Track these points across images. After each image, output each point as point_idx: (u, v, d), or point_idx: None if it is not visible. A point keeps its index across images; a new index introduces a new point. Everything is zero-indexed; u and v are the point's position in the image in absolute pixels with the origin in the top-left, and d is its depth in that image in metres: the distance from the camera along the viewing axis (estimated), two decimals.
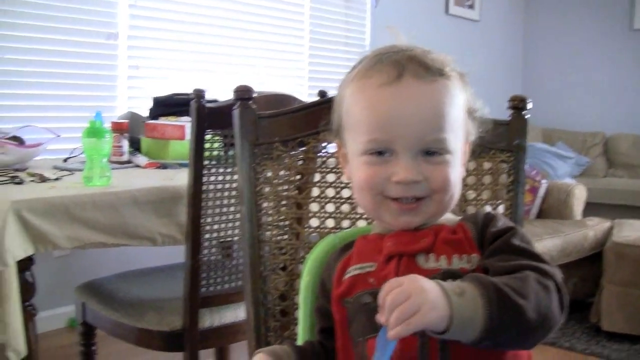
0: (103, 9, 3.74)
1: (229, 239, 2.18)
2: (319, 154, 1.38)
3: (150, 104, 3.16)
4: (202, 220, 2.06)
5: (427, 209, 1.02)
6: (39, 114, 3.43)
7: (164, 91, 3.31)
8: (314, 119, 1.35)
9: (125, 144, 2.66)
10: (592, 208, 4.91)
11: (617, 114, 6.94)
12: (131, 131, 2.77)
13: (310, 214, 1.37)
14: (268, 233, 1.35)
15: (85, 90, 3.69)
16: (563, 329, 3.62)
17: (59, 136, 2.82)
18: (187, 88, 2.32)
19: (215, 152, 2.07)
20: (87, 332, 2.39)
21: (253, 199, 1.34)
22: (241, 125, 1.34)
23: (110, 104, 3.79)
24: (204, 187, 2.05)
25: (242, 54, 4.53)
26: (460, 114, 1.04)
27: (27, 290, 1.97)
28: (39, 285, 2.03)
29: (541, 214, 4.39)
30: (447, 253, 0.98)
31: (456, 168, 1.03)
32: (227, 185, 2.11)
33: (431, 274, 0.94)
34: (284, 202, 1.37)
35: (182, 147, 2.64)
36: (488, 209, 1.35)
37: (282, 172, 1.37)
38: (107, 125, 2.36)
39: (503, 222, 1.02)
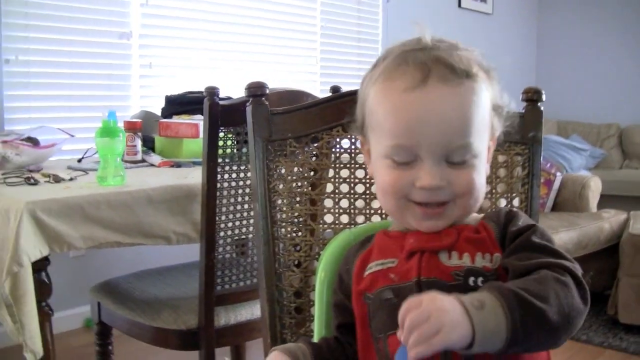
0: (115, 9, 3.75)
1: (243, 236, 2.17)
2: (332, 150, 1.38)
3: (163, 103, 3.16)
4: (216, 218, 2.06)
5: (451, 213, 1.01)
6: (53, 115, 3.45)
7: (177, 90, 3.31)
8: (327, 114, 1.35)
9: (139, 143, 2.66)
10: (607, 200, 4.88)
11: (632, 105, 6.90)
12: (145, 130, 2.77)
13: (325, 210, 1.37)
14: (282, 230, 1.35)
15: (98, 90, 3.71)
16: None
17: (73, 136, 2.83)
18: (199, 86, 2.32)
19: (228, 150, 2.07)
20: (103, 332, 2.40)
21: (267, 196, 1.34)
22: (254, 122, 1.33)
23: (124, 103, 3.80)
24: (218, 185, 2.05)
25: (254, 51, 4.53)
26: (486, 115, 1.02)
27: (43, 290, 1.97)
28: (55, 285, 2.03)
29: (556, 207, 4.37)
30: (469, 251, 0.97)
31: (481, 170, 1.02)
32: (241, 183, 2.11)
33: (454, 271, 0.94)
34: (297, 199, 1.37)
35: (196, 146, 2.64)
36: (503, 202, 1.34)
37: (295, 169, 1.36)
38: (121, 124, 2.36)
39: (524, 221, 1.01)
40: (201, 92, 2.05)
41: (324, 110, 1.35)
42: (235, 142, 2.09)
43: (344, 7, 5.21)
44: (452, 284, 0.95)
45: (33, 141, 2.59)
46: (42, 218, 1.85)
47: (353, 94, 1.33)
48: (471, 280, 0.94)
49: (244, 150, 2.08)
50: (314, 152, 1.38)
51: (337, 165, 1.37)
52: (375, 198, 1.35)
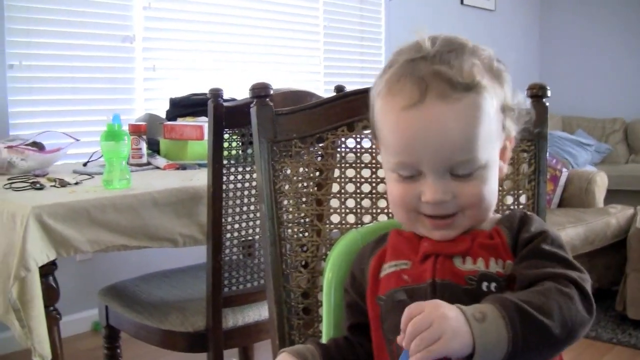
0: (118, 12, 3.75)
1: (250, 238, 2.17)
2: (337, 150, 1.37)
3: (167, 106, 3.16)
4: (222, 220, 2.06)
5: (461, 223, 1.00)
6: (57, 119, 3.45)
7: (181, 92, 3.31)
8: (331, 114, 1.34)
9: (144, 146, 2.66)
10: (614, 195, 4.87)
11: (636, 99, 6.88)
12: (149, 133, 2.77)
13: (331, 210, 1.37)
14: (289, 231, 1.35)
15: (102, 93, 3.71)
16: None
17: (78, 140, 2.83)
18: (203, 88, 2.32)
19: (233, 151, 2.07)
20: (111, 335, 2.40)
21: (273, 197, 1.33)
22: (259, 123, 1.33)
23: (128, 106, 3.80)
24: (224, 187, 2.05)
25: (257, 52, 4.53)
26: (493, 125, 1.00)
27: (51, 295, 1.97)
28: (62, 289, 2.04)
29: (563, 203, 4.36)
30: (484, 256, 0.97)
31: (490, 180, 1.00)
32: (246, 184, 2.11)
33: (468, 275, 0.94)
34: (303, 199, 1.37)
35: (201, 148, 2.64)
36: (509, 199, 1.33)
37: (301, 169, 1.36)
38: (125, 127, 2.36)
39: (536, 226, 1.00)
40: (205, 94, 2.05)
41: (328, 110, 1.35)
42: (240, 144, 2.09)
43: (347, 7, 5.21)
44: (466, 287, 0.95)
45: (38, 146, 2.60)
46: (49, 222, 1.85)
47: (357, 94, 1.33)
48: (484, 285, 0.94)
49: (249, 151, 2.08)
50: (319, 152, 1.38)
51: (343, 165, 1.36)
52: (381, 197, 1.35)
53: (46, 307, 1.89)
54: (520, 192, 1.33)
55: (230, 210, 2.08)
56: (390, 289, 1.02)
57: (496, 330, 0.83)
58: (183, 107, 3.06)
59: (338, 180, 1.36)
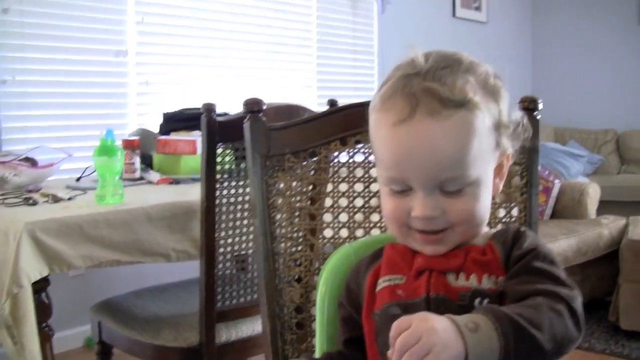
0: (111, 27, 3.75)
1: (243, 252, 2.17)
2: (330, 164, 1.38)
3: (161, 120, 3.16)
4: (216, 235, 2.06)
5: (451, 239, 1.00)
6: (50, 134, 3.44)
7: (174, 106, 3.31)
8: (324, 129, 1.35)
9: (137, 161, 2.66)
10: (606, 206, 4.87)
11: (628, 110, 6.91)
12: (143, 147, 2.77)
13: (324, 225, 1.37)
14: (282, 245, 1.35)
15: (95, 108, 3.70)
16: None
17: (71, 155, 2.83)
18: (197, 102, 2.32)
19: (227, 166, 2.07)
20: (104, 351, 2.39)
21: (266, 212, 1.34)
22: (252, 137, 1.34)
23: (121, 121, 3.79)
24: (217, 201, 2.05)
25: (251, 66, 4.54)
26: (485, 142, 0.99)
27: (44, 311, 1.97)
28: (55, 305, 2.03)
29: (555, 214, 4.36)
30: (477, 272, 0.97)
31: (481, 196, 1.00)
32: (240, 199, 2.11)
33: (461, 292, 0.95)
34: (297, 214, 1.37)
35: (194, 162, 2.64)
36: (502, 212, 1.34)
37: (294, 184, 1.36)
38: (119, 142, 2.36)
39: (529, 242, 1.00)
40: (198, 109, 2.06)
41: (321, 125, 1.36)
42: (233, 158, 2.09)
43: (339, 20, 5.23)
44: (460, 304, 0.95)
45: (31, 161, 2.59)
46: (42, 238, 1.85)
47: (350, 108, 1.34)
48: (477, 301, 0.94)
49: (242, 165, 2.09)
50: (312, 167, 1.38)
51: (336, 180, 1.37)
52: (374, 211, 1.35)
53: (39, 323, 1.89)
54: (512, 204, 1.33)
55: (223, 225, 2.08)
56: (385, 304, 1.02)
57: (489, 340, 0.84)
58: (176, 121, 3.06)
59: (331, 194, 1.36)
